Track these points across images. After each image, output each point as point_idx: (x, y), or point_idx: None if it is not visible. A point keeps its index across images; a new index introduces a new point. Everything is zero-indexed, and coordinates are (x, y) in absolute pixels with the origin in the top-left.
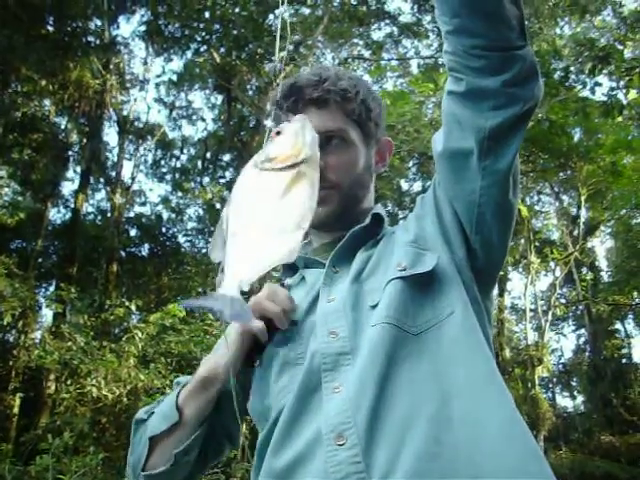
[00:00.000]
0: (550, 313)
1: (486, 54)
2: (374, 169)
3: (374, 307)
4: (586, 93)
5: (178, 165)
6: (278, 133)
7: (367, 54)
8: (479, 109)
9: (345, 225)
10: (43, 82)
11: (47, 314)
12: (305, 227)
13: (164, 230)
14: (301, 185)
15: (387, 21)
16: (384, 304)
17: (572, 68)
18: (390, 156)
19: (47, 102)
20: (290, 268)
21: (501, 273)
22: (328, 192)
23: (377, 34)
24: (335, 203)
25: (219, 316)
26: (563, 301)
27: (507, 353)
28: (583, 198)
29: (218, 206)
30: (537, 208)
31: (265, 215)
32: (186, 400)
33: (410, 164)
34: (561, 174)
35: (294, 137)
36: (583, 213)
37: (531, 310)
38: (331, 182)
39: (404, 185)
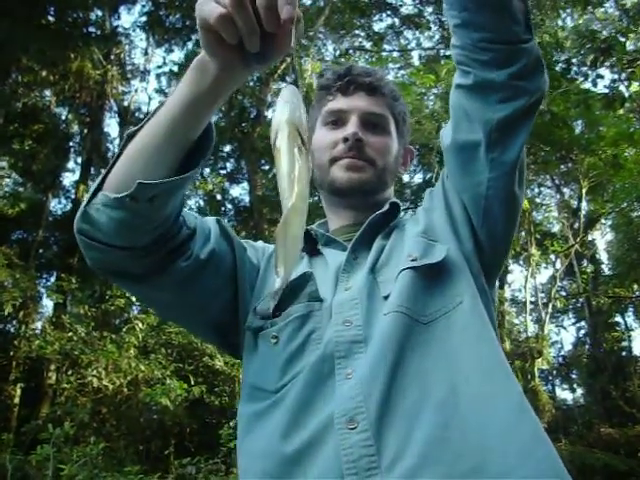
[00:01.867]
0: (550, 306)
1: (493, 47)
2: (399, 168)
3: (386, 298)
4: (588, 85)
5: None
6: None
7: (368, 45)
8: (487, 102)
9: (368, 207)
10: (44, 72)
11: (48, 304)
12: (301, 188)
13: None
14: (278, 159)
15: (389, 12)
16: (396, 293)
17: (574, 60)
18: (411, 164)
19: (48, 92)
20: (309, 242)
21: None
22: (364, 164)
23: (378, 25)
24: (369, 175)
25: None
26: (563, 294)
27: (507, 345)
28: (584, 191)
29: (219, 197)
30: (538, 200)
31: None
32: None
33: None
34: (562, 166)
35: (275, 113)
36: (584, 206)
37: (531, 302)
38: (369, 157)
39: (405, 177)
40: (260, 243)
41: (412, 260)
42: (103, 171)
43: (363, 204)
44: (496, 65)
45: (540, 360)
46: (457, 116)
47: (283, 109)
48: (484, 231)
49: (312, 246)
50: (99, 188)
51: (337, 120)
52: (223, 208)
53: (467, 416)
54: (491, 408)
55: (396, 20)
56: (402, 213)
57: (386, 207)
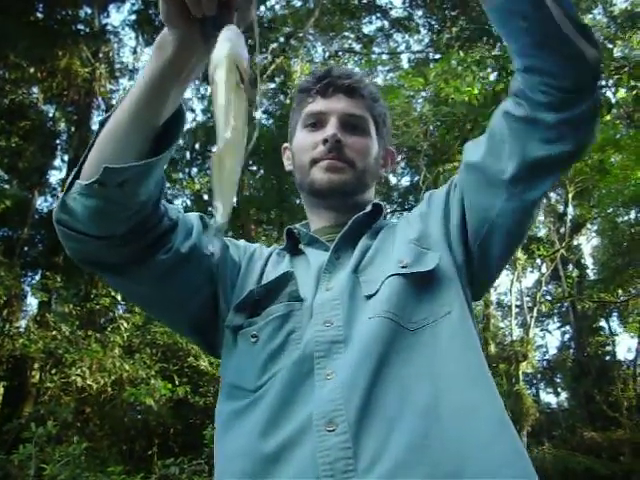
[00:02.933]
0: (535, 309)
1: (554, 93)
2: (380, 169)
3: (369, 297)
4: None
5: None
6: None
7: (358, 48)
8: (530, 138)
9: (348, 208)
10: (32, 69)
11: (32, 303)
12: (239, 123)
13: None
14: (215, 92)
15: (378, 15)
16: (383, 298)
17: None
18: (393, 165)
19: (35, 90)
20: (291, 239)
21: None
22: (344, 165)
23: (368, 28)
24: (349, 176)
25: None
26: (549, 298)
27: (492, 348)
28: (570, 196)
29: (206, 197)
30: None
31: None
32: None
33: (399, 158)
34: None
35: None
36: (570, 210)
37: (517, 306)
38: (348, 159)
39: (392, 180)
40: (242, 242)
41: (402, 267)
42: (80, 161)
43: (343, 205)
44: (551, 108)
45: (525, 364)
46: (494, 140)
47: (223, 45)
48: (479, 251)
49: (294, 245)
50: (76, 177)
51: (316, 122)
52: (210, 208)
53: (448, 426)
54: (473, 420)
55: (386, 23)
56: (386, 216)
57: (369, 208)
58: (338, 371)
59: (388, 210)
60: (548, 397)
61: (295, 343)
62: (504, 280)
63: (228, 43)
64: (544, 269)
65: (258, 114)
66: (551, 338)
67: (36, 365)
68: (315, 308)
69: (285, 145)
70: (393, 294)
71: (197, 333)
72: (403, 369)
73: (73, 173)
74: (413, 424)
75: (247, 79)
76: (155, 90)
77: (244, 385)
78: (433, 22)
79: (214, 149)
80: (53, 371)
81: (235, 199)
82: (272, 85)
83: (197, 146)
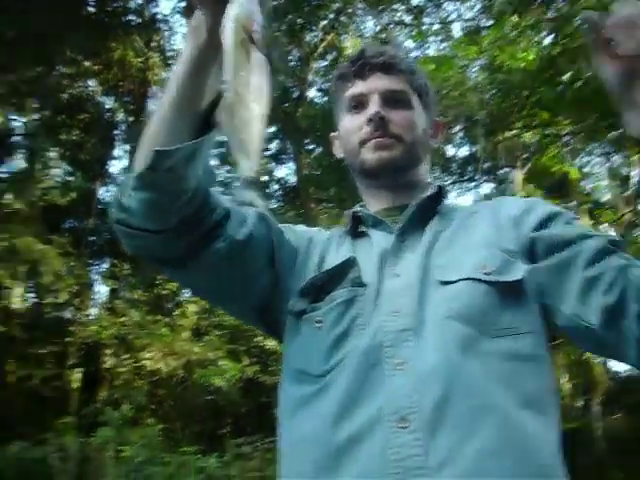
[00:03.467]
0: None
1: None
2: (430, 141)
3: (444, 284)
4: None
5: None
6: None
7: (408, 19)
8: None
9: (403, 185)
10: (87, 63)
11: (101, 290)
12: (233, 86)
13: None
14: (223, 52)
15: None
16: (461, 300)
17: None
18: (443, 136)
19: (92, 83)
20: (353, 222)
21: None
22: (392, 141)
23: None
24: (399, 152)
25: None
26: None
27: None
28: (634, 158)
29: (265, 178)
30: (587, 170)
31: None
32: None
33: (456, 129)
34: (611, 134)
35: None
36: (635, 173)
37: None
38: (395, 134)
39: (450, 151)
40: (300, 226)
41: (486, 273)
42: (133, 160)
43: (398, 183)
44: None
45: None
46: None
47: (232, 7)
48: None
49: (356, 227)
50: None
51: (358, 104)
52: (269, 189)
53: (526, 436)
54: (546, 436)
55: None
56: (447, 195)
57: (433, 190)
58: (410, 361)
59: (447, 182)
60: (618, 365)
61: (359, 329)
62: None
63: (236, 5)
64: (612, 233)
65: (311, 92)
66: None
67: (108, 351)
68: (383, 295)
69: (332, 134)
70: (473, 298)
71: (261, 319)
72: (480, 376)
73: (126, 173)
74: (490, 430)
75: (258, 36)
76: (194, 75)
77: (310, 370)
78: None
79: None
80: (125, 356)
81: (260, 152)
82: (324, 63)
83: None
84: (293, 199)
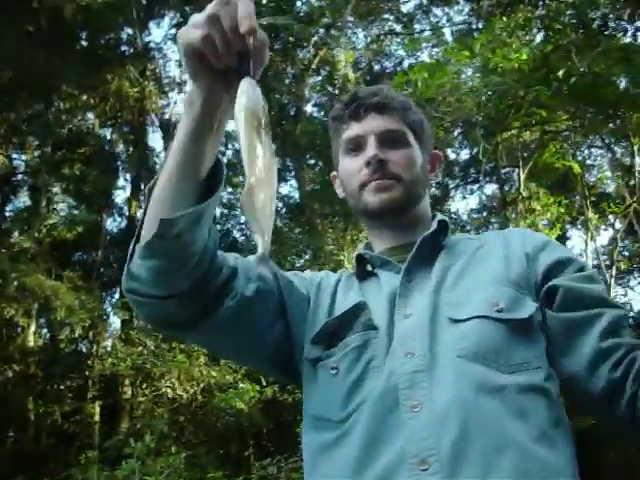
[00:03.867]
0: (614, 268)
1: None
2: (428, 176)
3: (454, 321)
4: (628, 40)
5: (224, 160)
6: None
7: (399, 28)
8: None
9: (407, 224)
10: (84, 97)
11: (115, 321)
12: (266, 165)
13: (218, 227)
14: (241, 139)
15: None
16: (473, 338)
17: (610, 16)
18: (438, 167)
19: (90, 115)
20: (361, 264)
21: (559, 233)
22: (392, 182)
23: (406, 6)
24: (399, 192)
25: None
26: (626, 254)
27: None
28: (636, 147)
29: None
30: (589, 162)
31: None
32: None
33: (455, 133)
34: (611, 125)
35: None
36: (638, 162)
37: (594, 266)
38: (394, 174)
39: (451, 155)
40: (308, 273)
41: (497, 311)
42: (137, 230)
43: (400, 222)
44: None
45: None
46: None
47: (240, 98)
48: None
49: (363, 269)
50: (135, 245)
51: (356, 146)
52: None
53: (544, 470)
54: (564, 469)
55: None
56: (449, 229)
57: (435, 226)
58: (425, 403)
59: (451, 185)
60: None
61: (375, 371)
62: (578, 241)
63: (244, 96)
64: (618, 225)
65: (308, 108)
66: (633, 294)
67: (127, 381)
68: (395, 339)
69: (333, 173)
70: (485, 336)
71: (278, 368)
72: (496, 412)
73: (132, 242)
74: (508, 465)
75: (266, 121)
76: (192, 145)
77: (330, 416)
78: None
79: (243, 189)
80: (143, 385)
81: (272, 227)
82: (319, 78)
83: None
84: (298, 215)
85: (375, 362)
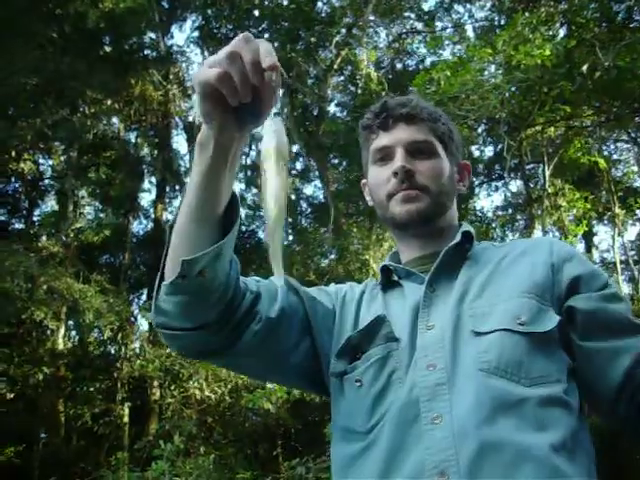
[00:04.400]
0: None
1: None
2: (456, 186)
3: (477, 334)
4: None
5: (248, 162)
6: None
7: (420, 26)
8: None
9: (434, 234)
10: (109, 101)
11: (143, 323)
12: (281, 203)
13: (243, 228)
14: (266, 176)
15: None
16: (494, 352)
17: (635, 8)
18: (469, 178)
19: (115, 120)
20: (387, 275)
21: (586, 229)
22: (418, 193)
23: (428, 4)
24: (425, 203)
25: None
26: None
27: None
28: None
29: (293, 197)
30: (615, 157)
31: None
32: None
33: (479, 130)
34: (637, 119)
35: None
36: None
37: (622, 262)
38: (421, 185)
39: (476, 152)
40: (332, 287)
41: (520, 324)
42: (161, 267)
43: (428, 232)
44: None
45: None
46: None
47: (269, 138)
48: None
49: (388, 279)
50: (161, 281)
51: (384, 156)
52: (299, 208)
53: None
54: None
55: None
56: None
57: (458, 238)
58: (445, 415)
59: (476, 183)
60: None
61: (398, 383)
62: (605, 237)
63: (274, 136)
64: None
65: (331, 108)
66: None
67: (155, 383)
68: (418, 350)
69: (363, 181)
70: (507, 349)
71: (305, 383)
72: (516, 423)
73: (157, 279)
74: (526, 477)
75: (287, 160)
76: (209, 185)
77: (356, 428)
78: None
79: (266, 228)
80: (172, 387)
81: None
82: (341, 78)
83: None
84: (322, 215)
85: (397, 374)
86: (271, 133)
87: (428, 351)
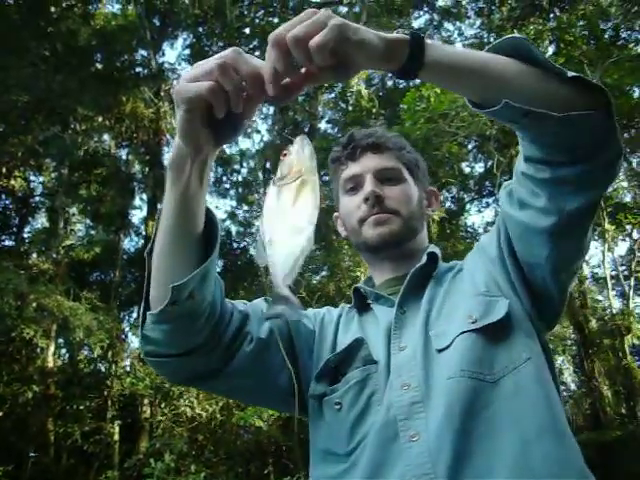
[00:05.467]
0: (633, 279)
1: (572, 150)
2: (425, 211)
3: (440, 351)
4: None
5: (240, 179)
6: (285, 155)
7: None
8: (559, 192)
9: (404, 256)
10: (100, 119)
11: (134, 341)
12: (314, 221)
13: (235, 245)
14: (305, 190)
15: (425, 8)
16: (457, 355)
17: (622, 26)
18: (438, 204)
19: (106, 137)
20: (359, 299)
21: None
22: (389, 216)
23: (417, 22)
24: (397, 225)
25: (286, 317)
26: None
27: (593, 324)
28: None
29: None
30: None
31: (285, 220)
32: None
33: (469, 147)
34: (625, 135)
35: (296, 155)
36: None
37: (612, 277)
38: (391, 209)
39: (466, 168)
40: (310, 311)
41: (472, 322)
42: (144, 295)
43: (399, 254)
44: (577, 162)
45: (629, 336)
46: (527, 200)
47: (310, 157)
48: (539, 290)
49: (362, 303)
50: (145, 311)
51: (355, 185)
52: None
53: (547, 463)
54: (563, 470)
55: (434, 15)
56: (440, 262)
57: (424, 259)
58: (422, 432)
59: (466, 199)
60: None
61: (377, 405)
62: (595, 252)
63: (313, 158)
64: (636, 235)
65: (322, 124)
66: None
67: (146, 401)
68: (393, 372)
69: (335, 214)
70: (467, 350)
71: (288, 405)
72: (488, 426)
73: (141, 309)
74: (506, 470)
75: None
76: (187, 207)
77: (337, 450)
78: (481, 4)
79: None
80: (162, 405)
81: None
82: (332, 95)
83: (268, 165)
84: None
85: (376, 396)
86: (311, 154)
87: (402, 371)
